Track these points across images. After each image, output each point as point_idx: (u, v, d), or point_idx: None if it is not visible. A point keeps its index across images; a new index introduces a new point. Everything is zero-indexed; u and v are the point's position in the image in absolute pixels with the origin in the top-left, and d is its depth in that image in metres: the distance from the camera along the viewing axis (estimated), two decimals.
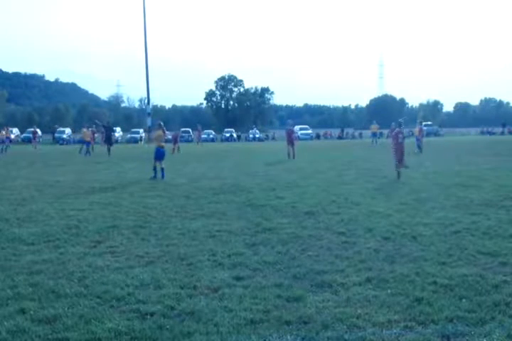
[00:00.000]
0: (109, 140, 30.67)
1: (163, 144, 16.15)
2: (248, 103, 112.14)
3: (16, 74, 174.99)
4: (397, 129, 15.34)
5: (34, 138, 44.59)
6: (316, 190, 12.60)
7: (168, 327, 4.29)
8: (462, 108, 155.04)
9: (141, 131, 66.73)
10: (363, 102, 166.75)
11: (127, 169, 19.98)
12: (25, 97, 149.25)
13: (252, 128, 71.22)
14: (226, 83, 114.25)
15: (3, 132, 37.26)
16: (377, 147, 36.07)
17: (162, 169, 15.72)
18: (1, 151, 33.97)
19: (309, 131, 69.15)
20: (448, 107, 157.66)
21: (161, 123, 16.41)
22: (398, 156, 14.87)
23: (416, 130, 30.58)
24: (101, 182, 14.94)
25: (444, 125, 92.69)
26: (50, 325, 4.35)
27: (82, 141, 31.85)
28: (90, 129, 32.80)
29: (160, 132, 16.21)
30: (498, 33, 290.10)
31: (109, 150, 29.48)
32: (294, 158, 23.75)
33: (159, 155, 15.86)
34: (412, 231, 7.72)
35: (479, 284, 5.25)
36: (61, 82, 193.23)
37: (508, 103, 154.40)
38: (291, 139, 24.54)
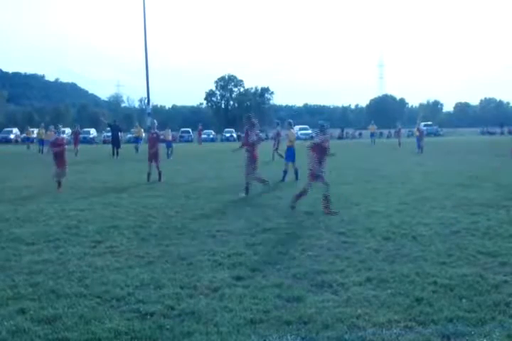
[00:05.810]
0: (116, 141, 28.26)
1: (292, 144, 15.36)
2: (248, 103, 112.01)
3: (16, 74, 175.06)
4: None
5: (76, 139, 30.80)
6: (315, 190, 12.58)
7: (168, 327, 4.29)
8: (462, 108, 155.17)
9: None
10: (363, 102, 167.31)
11: (127, 169, 19.99)
12: (25, 97, 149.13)
13: None
14: (226, 83, 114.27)
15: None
16: (375, 147, 36.14)
17: (296, 170, 14.95)
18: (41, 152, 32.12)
19: (309, 131, 69.27)
20: (448, 107, 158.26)
21: (291, 122, 15.84)
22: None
23: (416, 130, 30.70)
24: (101, 182, 14.95)
25: (444, 125, 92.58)
26: (50, 325, 4.35)
27: (168, 143, 26.84)
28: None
29: (292, 131, 15.64)
30: (497, 34, 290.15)
31: (116, 152, 27.44)
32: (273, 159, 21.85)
33: (292, 155, 15.16)
34: (412, 231, 7.72)
35: (479, 284, 5.25)
36: (61, 82, 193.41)
37: (508, 103, 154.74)
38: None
